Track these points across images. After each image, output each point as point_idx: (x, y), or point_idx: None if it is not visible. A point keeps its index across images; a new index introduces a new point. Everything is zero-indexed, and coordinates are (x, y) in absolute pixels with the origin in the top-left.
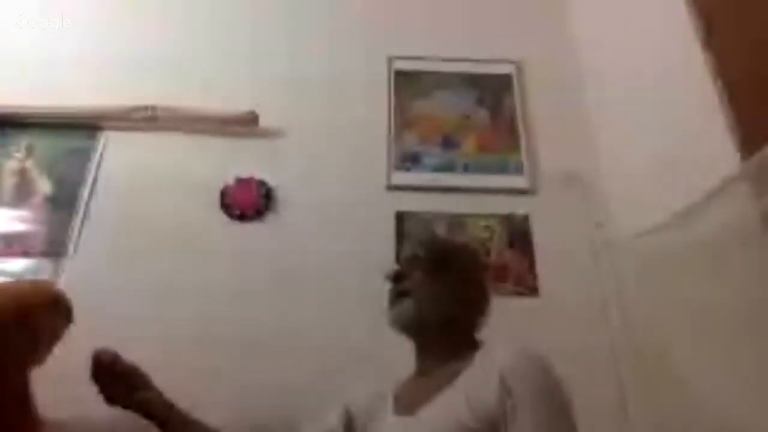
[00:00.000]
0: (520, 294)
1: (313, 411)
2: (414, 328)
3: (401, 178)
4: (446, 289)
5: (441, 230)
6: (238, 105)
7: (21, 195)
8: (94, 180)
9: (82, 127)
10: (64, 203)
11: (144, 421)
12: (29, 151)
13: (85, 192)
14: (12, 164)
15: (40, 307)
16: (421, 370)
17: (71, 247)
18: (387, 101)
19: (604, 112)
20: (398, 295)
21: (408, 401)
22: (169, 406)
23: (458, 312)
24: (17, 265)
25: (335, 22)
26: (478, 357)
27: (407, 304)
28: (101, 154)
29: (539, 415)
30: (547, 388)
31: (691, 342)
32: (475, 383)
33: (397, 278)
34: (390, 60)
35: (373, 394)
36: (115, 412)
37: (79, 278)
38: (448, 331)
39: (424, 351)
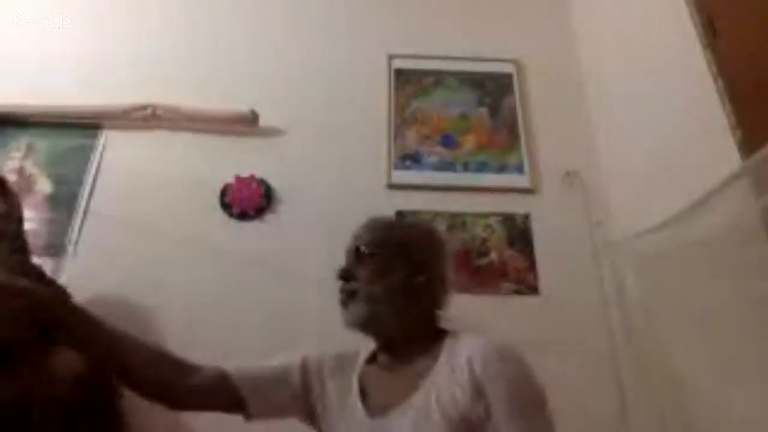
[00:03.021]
0: (520, 293)
1: None
2: (369, 328)
3: (401, 176)
4: (395, 281)
5: (441, 229)
6: (239, 104)
7: (21, 194)
8: (94, 179)
9: (82, 126)
10: (63, 202)
11: None
12: (29, 150)
13: (85, 191)
14: (12, 163)
15: None
16: (386, 362)
17: (71, 246)
18: (387, 100)
19: (604, 112)
20: (346, 295)
21: (378, 401)
22: (75, 309)
23: (413, 306)
24: None
25: (335, 21)
26: (445, 351)
27: (356, 306)
28: (101, 153)
29: (515, 414)
30: (519, 386)
31: (690, 341)
32: (445, 383)
33: (344, 277)
34: (390, 58)
35: (330, 361)
36: None
37: (79, 277)
38: (407, 326)
39: (386, 347)
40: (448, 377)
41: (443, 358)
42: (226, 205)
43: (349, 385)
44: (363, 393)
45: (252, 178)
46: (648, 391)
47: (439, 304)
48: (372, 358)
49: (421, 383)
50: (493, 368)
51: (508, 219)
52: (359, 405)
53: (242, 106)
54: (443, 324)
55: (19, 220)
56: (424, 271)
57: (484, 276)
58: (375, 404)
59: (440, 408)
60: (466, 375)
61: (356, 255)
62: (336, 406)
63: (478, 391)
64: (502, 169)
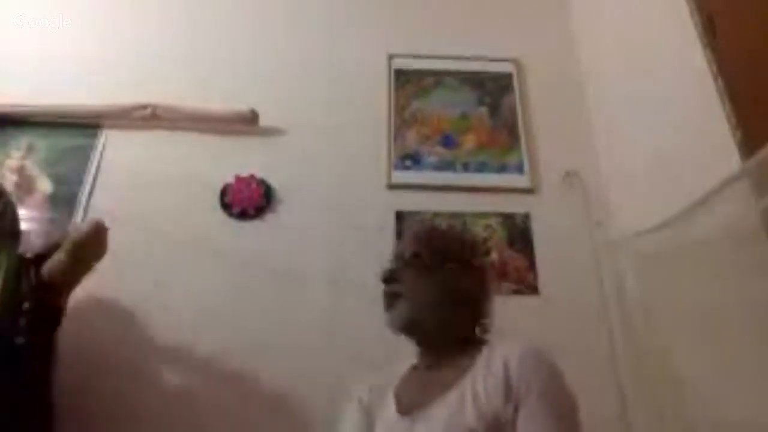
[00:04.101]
0: (520, 293)
1: (312, 410)
2: (411, 329)
3: (401, 177)
4: (440, 285)
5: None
6: (239, 104)
7: (21, 193)
8: (94, 178)
9: (82, 125)
10: (63, 202)
11: None
12: (29, 149)
13: (85, 190)
14: (12, 163)
15: None
16: (423, 367)
17: None
18: (387, 100)
19: (604, 112)
20: (391, 297)
21: (411, 400)
22: None
23: (456, 307)
24: None
25: (335, 21)
26: (484, 354)
27: (400, 307)
28: (101, 153)
29: (545, 417)
30: (553, 388)
31: (690, 341)
32: (481, 383)
33: (389, 279)
34: (390, 58)
35: (370, 388)
36: None
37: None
38: (448, 328)
39: (425, 349)
40: (483, 377)
41: (481, 360)
42: (226, 205)
43: (386, 392)
44: (399, 396)
45: (252, 177)
46: (648, 391)
47: (481, 311)
48: (413, 368)
49: (457, 383)
50: (529, 369)
51: (508, 219)
52: (392, 405)
53: (242, 106)
54: (489, 331)
55: (14, 220)
56: (469, 275)
57: None
58: (408, 404)
59: (475, 406)
60: (501, 375)
61: (401, 259)
62: (378, 421)
63: (509, 390)
64: (502, 169)
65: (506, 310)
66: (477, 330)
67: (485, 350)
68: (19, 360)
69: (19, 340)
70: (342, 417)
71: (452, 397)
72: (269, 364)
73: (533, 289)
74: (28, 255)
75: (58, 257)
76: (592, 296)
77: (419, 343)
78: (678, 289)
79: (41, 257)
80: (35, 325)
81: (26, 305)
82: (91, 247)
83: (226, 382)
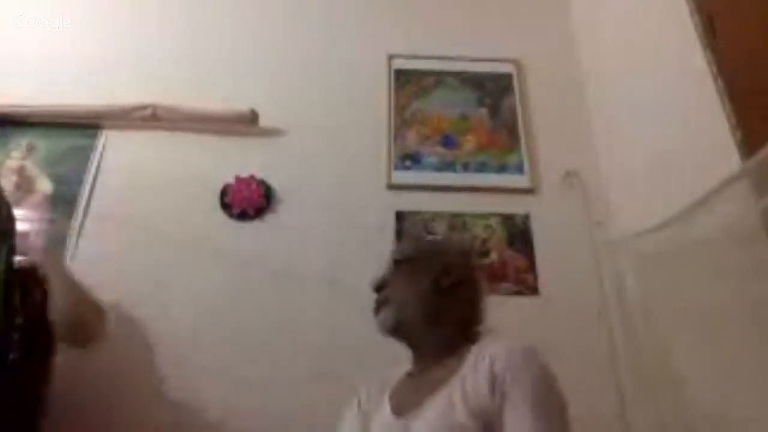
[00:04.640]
0: (520, 293)
1: (312, 411)
2: (398, 332)
3: (401, 177)
4: (425, 288)
5: (441, 229)
6: (239, 104)
7: (21, 194)
8: (94, 179)
9: (83, 126)
10: (64, 202)
11: None
12: (29, 149)
13: (85, 191)
14: (12, 163)
15: None
16: (417, 369)
17: (71, 247)
18: (387, 100)
19: (604, 112)
20: (379, 304)
21: (404, 401)
22: None
23: (442, 309)
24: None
25: (335, 21)
26: (473, 353)
27: (387, 312)
28: (101, 153)
29: (531, 413)
30: (539, 385)
31: (690, 341)
32: (470, 381)
33: (378, 287)
34: (390, 58)
35: (367, 392)
36: None
37: (79, 277)
38: (437, 330)
39: (416, 351)
40: (471, 376)
41: (470, 358)
42: (226, 206)
43: (382, 396)
44: (393, 399)
45: (252, 178)
46: (648, 391)
47: (472, 314)
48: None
49: (446, 383)
50: (515, 367)
51: (508, 219)
52: (387, 407)
53: (242, 106)
54: (481, 333)
55: (9, 219)
56: (455, 278)
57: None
58: (401, 404)
59: (465, 404)
60: (487, 371)
61: (393, 264)
62: (373, 423)
63: (494, 385)
64: (502, 169)
65: (506, 311)
66: (468, 332)
67: (474, 350)
68: (12, 377)
69: (12, 355)
70: (340, 419)
71: (442, 396)
72: (268, 364)
73: (533, 290)
74: (22, 262)
75: (61, 319)
76: (592, 296)
77: (410, 346)
78: (678, 289)
79: (31, 271)
80: (28, 343)
81: (19, 320)
82: (91, 332)
83: (226, 382)
